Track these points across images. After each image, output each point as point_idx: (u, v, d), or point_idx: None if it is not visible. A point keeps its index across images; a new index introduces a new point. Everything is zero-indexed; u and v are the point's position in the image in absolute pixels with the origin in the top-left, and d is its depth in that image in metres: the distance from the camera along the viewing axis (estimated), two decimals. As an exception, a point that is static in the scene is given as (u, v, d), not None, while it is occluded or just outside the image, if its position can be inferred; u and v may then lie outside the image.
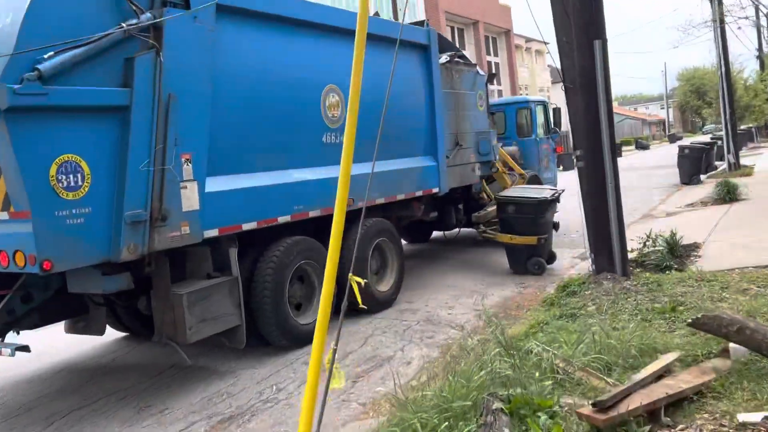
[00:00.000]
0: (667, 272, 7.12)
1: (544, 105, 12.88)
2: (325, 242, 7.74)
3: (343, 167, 3.39)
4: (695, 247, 8.46)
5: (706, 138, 38.89)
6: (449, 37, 45.25)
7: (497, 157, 10.85)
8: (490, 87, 50.46)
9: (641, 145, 57.21)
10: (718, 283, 6.06)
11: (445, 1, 40.75)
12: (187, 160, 5.25)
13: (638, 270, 7.56)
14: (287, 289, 6.28)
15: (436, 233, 12.33)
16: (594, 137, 6.61)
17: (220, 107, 5.59)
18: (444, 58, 9.63)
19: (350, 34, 7.76)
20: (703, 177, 19.62)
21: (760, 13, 32.14)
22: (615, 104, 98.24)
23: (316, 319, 6.61)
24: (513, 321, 6.47)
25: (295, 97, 6.48)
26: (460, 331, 6.30)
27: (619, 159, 28.65)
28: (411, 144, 8.55)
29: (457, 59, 10.10)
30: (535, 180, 12.06)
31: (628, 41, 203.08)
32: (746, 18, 26.60)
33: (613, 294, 5.95)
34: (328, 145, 6.96)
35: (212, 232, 5.51)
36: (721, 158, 22.11)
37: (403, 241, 11.65)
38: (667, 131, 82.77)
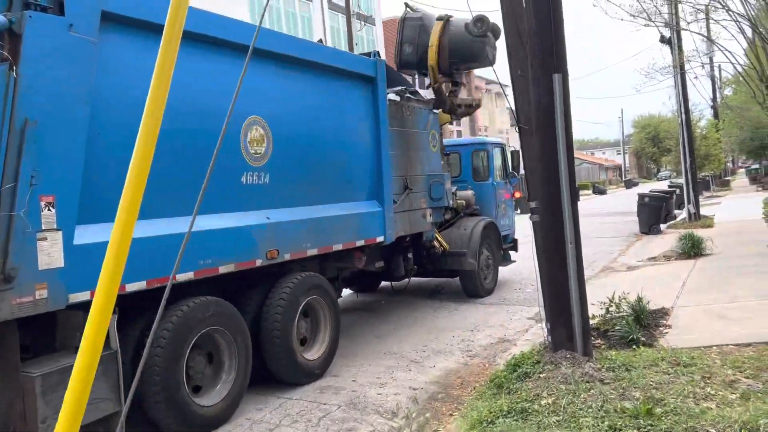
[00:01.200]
0: (634, 347, 6.19)
1: (502, 147, 12.08)
2: (242, 304, 6.68)
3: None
4: (664, 313, 7.60)
5: (663, 184, 39.25)
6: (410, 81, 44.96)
7: (451, 202, 9.92)
8: (449, 127, 50.76)
9: (598, 190, 57.62)
10: (697, 370, 5.12)
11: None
12: (49, 203, 4.11)
13: (601, 342, 6.63)
14: (185, 365, 5.12)
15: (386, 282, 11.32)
16: (552, 186, 5.71)
17: (99, 137, 4.48)
18: (393, 93, 8.72)
19: (283, 59, 6.88)
20: (663, 226, 19.13)
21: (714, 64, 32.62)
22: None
23: (219, 401, 5.58)
24: (453, 406, 5.41)
25: (207, 129, 5.41)
26: (388, 420, 5.19)
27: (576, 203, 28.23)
28: (352, 187, 7.55)
29: (408, 95, 9.22)
30: (492, 226, 11.17)
31: (587, 85, 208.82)
32: (702, 66, 26.88)
33: (572, 382, 4.94)
34: (249, 186, 5.89)
35: (81, 296, 4.33)
36: (680, 206, 21.74)
37: (348, 291, 10.58)
38: (623, 177, 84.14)
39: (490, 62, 8.87)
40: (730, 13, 11.86)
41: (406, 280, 10.17)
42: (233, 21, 5.77)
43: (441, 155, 10.56)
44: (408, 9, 9.10)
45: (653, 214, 18.55)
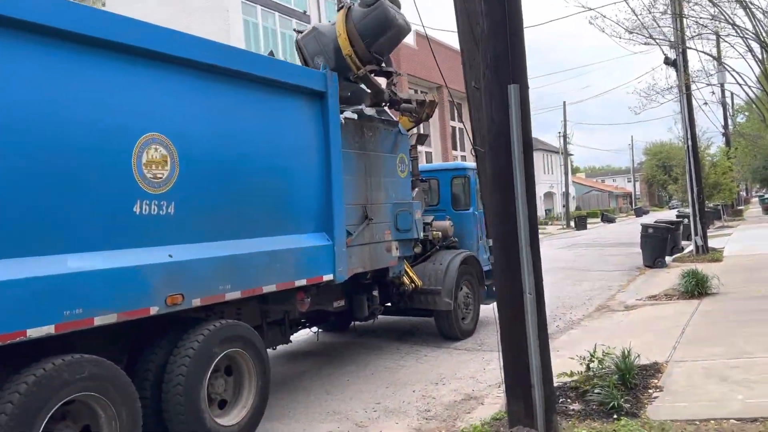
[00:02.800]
0: (615, 417, 5.08)
1: (487, 174, 11.03)
2: (141, 363, 4.99)
3: None
4: (656, 370, 6.47)
5: (673, 213, 37.92)
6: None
7: (421, 234, 8.86)
8: (455, 153, 49.42)
9: (607, 218, 56.33)
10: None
11: (407, 64, 39.72)
12: None
13: (577, 409, 5.51)
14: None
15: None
16: (507, 223, 4.66)
17: None
18: (351, 111, 7.74)
19: (197, 67, 5.16)
20: (668, 259, 17.94)
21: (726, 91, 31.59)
22: (581, 175, 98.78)
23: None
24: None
25: (87, 147, 4.44)
26: None
27: (583, 232, 27.37)
28: (292, 217, 6.52)
29: (371, 114, 8.23)
30: (472, 260, 10.09)
31: (597, 112, 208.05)
32: (712, 93, 25.81)
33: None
34: (145, 217, 4.88)
35: None
36: (689, 237, 20.56)
37: (312, 330, 9.47)
38: (633, 204, 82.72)
39: (402, 26, 7.81)
40: (737, 29, 10.85)
41: (372, 320, 9.09)
42: (122, 19, 4.81)
43: (414, 181, 9.56)
44: (296, 32, 8.21)
45: (657, 247, 17.37)
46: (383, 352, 9.05)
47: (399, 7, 7.91)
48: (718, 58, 16.48)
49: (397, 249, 8.45)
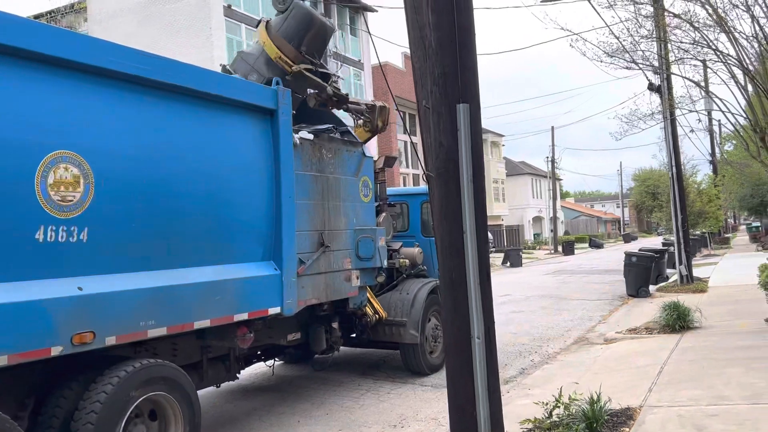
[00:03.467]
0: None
1: (460, 199, 10.56)
2: (46, 409, 4.35)
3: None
4: (627, 417, 5.93)
5: (661, 240, 37.54)
6: (401, 124, 43.90)
7: (385, 262, 8.33)
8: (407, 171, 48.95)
9: (595, 244, 56.06)
10: None
11: (396, 86, 39.52)
12: None
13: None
14: None
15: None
16: (455, 257, 4.16)
17: None
18: (308, 131, 7.26)
19: (114, 77, 4.55)
20: (653, 288, 17.48)
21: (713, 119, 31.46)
22: (570, 200, 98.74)
23: None
24: None
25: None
26: None
27: (570, 257, 26.99)
28: (233, 245, 5.99)
29: (331, 134, 7.76)
30: (442, 292, 9.55)
31: (587, 137, 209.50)
32: (699, 120, 25.60)
33: None
34: (50, 245, 4.34)
35: None
36: (674, 265, 20.14)
37: (267, 364, 8.87)
38: (621, 230, 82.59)
39: (324, 23, 7.49)
40: (719, 54, 10.49)
41: (330, 354, 8.52)
42: (19, 20, 4.30)
43: (381, 206, 9.09)
44: (221, 66, 7.92)
45: (641, 276, 16.91)
46: (343, 388, 8.47)
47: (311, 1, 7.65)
48: (705, 86, 16.16)
49: (358, 278, 7.93)
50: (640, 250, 19.70)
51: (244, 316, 5.98)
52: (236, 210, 6.02)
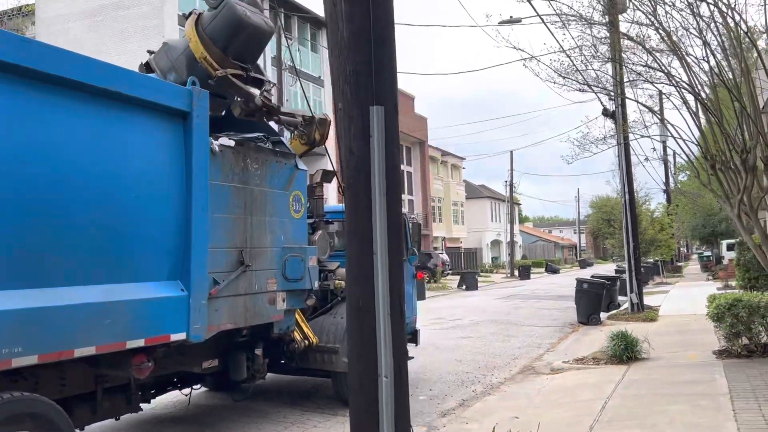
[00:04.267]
0: None
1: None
2: None
3: None
4: (564, 462, 5.41)
5: (616, 265, 37.73)
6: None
7: (315, 284, 7.71)
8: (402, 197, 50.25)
9: (551, 269, 56.30)
10: None
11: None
12: None
13: None
14: None
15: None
16: (363, 282, 3.61)
17: None
18: (229, 137, 6.66)
19: None
20: (604, 315, 17.21)
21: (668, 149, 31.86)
22: (529, 225, 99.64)
23: None
24: None
25: None
26: None
27: (526, 282, 26.66)
28: (129, 262, 5.33)
29: (259, 143, 7.17)
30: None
31: (546, 163, 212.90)
32: (653, 149, 25.82)
33: None
34: None
35: None
36: (627, 293, 19.95)
37: (184, 393, 8.12)
38: (578, 256, 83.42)
39: (259, 26, 6.77)
40: (671, 78, 10.27)
41: (250, 385, 7.83)
42: None
43: (318, 223, 8.50)
44: (149, 52, 7.20)
45: (592, 303, 16.62)
46: (267, 420, 7.78)
47: (259, 9, 6.97)
48: (660, 113, 16.07)
49: (284, 301, 7.30)
50: (592, 276, 19.48)
51: (140, 343, 5.30)
52: (136, 222, 5.36)
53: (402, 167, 48.26)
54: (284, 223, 7.34)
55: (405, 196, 48.57)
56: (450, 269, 41.76)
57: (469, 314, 19.91)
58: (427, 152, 50.56)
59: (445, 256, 42.94)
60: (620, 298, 20.20)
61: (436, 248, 49.36)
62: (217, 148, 6.33)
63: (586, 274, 25.15)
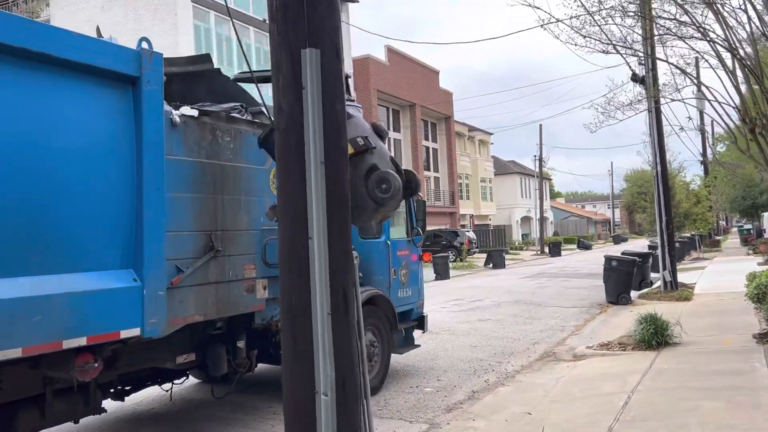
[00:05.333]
0: None
1: (405, 195, 9.17)
2: None
3: None
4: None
5: (649, 240, 36.21)
6: (384, 120, 42.42)
7: (302, 269, 6.98)
8: (427, 174, 48.27)
9: (583, 245, 54.88)
10: None
11: (377, 79, 38.20)
12: None
13: None
14: None
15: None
16: (296, 274, 2.87)
17: None
18: (192, 107, 5.91)
19: None
20: (634, 294, 16.22)
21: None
22: (561, 200, 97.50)
23: None
24: None
25: None
26: None
27: (556, 259, 25.38)
28: (67, 248, 4.65)
29: (233, 114, 6.42)
30: (380, 300, 8.25)
31: (579, 137, 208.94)
32: (689, 118, 24.35)
33: None
34: None
35: None
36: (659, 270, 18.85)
37: (163, 388, 7.51)
38: (612, 231, 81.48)
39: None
40: (703, 30, 9.18)
41: (232, 382, 7.15)
42: None
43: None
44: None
45: (622, 281, 15.64)
46: (254, 417, 7.14)
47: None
48: (696, 78, 14.83)
49: (265, 289, 6.58)
50: (623, 253, 18.44)
51: (81, 342, 4.63)
52: (74, 203, 4.67)
53: (426, 144, 47.34)
54: (264, 202, 6.58)
55: (430, 174, 47.54)
56: (477, 247, 40.77)
57: (491, 294, 19.05)
58: (452, 128, 49.33)
59: (471, 234, 41.92)
60: (653, 275, 19.14)
61: (463, 226, 48.37)
62: (178, 119, 5.61)
63: (619, 250, 24.00)
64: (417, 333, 9.48)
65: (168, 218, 5.36)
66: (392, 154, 8.07)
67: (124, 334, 4.93)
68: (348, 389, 2.89)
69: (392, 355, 8.77)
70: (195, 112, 5.83)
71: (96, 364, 4.91)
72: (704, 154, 35.29)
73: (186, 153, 5.69)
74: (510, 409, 7.19)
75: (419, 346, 9.37)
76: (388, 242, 8.61)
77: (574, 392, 7.60)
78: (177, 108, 5.72)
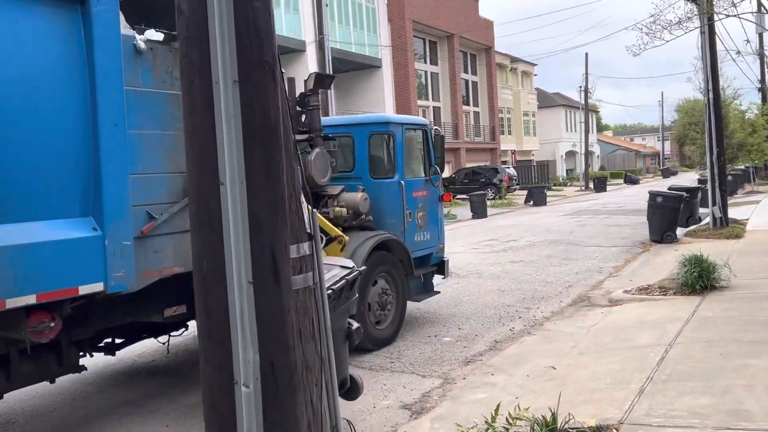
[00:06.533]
0: None
1: (423, 129, 8.36)
2: None
3: None
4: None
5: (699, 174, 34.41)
6: (420, 53, 40.76)
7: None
8: (466, 108, 46.80)
9: (630, 180, 52.95)
10: None
11: (413, 9, 36.51)
12: None
13: None
14: None
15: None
16: (206, 228, 2.20)
17: None
18: (156, 31, 5.19)
19: None
20: (681, 232, 15.19)
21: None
22: (609, 134, 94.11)
23: None
24: None
25: None
26: None
27: (601, 194, 24.29)
28: (12, 194, 4.08)
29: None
30: (394, 245, 7.61)
31: (629, 67, 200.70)
32: (746, 42, 22.40)
33: None
34: None
35: None
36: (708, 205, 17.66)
37: (160, 340, 7.10)
38: (661, 165, 78.58)
39: None
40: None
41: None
42: None
43: (315, 138, 7.09)
44: None
45: (667, 218, 14.60)
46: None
47: None
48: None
49: (259, 234, 5.98)
50: (669, 188, 17.29)
51: (30, 300, 4.11)
52: (16, 142, 4.07)
53: (465, 77, 45.58)
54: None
55: (470, 108, 46.01)
56: (517, 184, 39.58)
57: (526, 234, 18.22)
58: (493, 59, 47.35)
59: (512, 170, 40.65)
60: (702, 210, 17.96)
61: (504, 162, 47.03)
62: (142, 45, 4.90)
63: (668, 184, 22.71)
64: (438, 278, 8.84)
65: (133, 159, 4.74)
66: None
67: (84, 289, 4.39)
68: (279, 378, 2.24)
69: (411, 302, 8.21)
70: (160, 36, 5.11)
71: (52, 324, 4.41)
72: (762, 80, 32.97)
73: (155, 84, 5.01)
74: (533, 361, 6.56)
75: (438, 293, 8.73)
76: (402, 182, 7.87)
77: (606, 343, 6.89)
78: (141, 33, 5.02)
